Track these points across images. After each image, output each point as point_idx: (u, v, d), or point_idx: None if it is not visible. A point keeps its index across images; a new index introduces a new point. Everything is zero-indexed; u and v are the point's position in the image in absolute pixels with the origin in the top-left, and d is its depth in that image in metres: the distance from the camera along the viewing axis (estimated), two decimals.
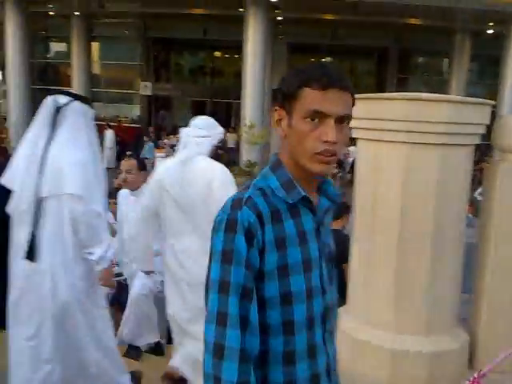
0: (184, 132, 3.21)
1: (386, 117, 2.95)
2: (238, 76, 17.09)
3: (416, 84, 20.53)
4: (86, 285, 2.72)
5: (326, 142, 1.22)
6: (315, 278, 1.30)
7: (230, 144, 17.86)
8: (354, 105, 1.28)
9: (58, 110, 2.67)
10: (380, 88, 19.09)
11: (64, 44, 22.42)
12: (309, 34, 18.55)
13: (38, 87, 21.24)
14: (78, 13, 19.84)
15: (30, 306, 2.66)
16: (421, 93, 3.06)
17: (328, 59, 21.67)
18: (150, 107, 22.59)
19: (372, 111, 3.03)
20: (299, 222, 1.29)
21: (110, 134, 17.35)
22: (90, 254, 2.63)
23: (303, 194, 1.28)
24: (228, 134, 17.74)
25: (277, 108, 1.31)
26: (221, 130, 3.31)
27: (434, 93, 3.09)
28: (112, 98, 22.85)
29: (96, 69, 22.39)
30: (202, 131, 3.15)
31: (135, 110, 23.13)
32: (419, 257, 2.99)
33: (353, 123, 3.32)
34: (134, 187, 3.89)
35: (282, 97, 1.29)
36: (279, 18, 17.91)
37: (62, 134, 2.64)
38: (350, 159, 14.50)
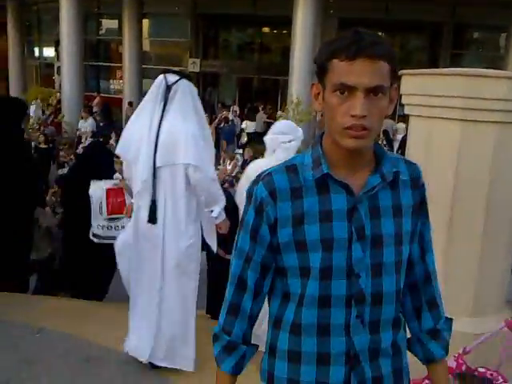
0: (269, 138, 3.37)
1: (441, 93, 2.90)
2: (286, 52, 16.91)
3: (470, 60, 19.76)
4: (192, 250, 3.07)
5: (353, 116, 1.15)
6: (338, 259, 1.25)
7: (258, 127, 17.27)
8: (395, 73, 1.21)
9: (168, 87, 2.93)
10: (433, 64, 18.48)
11: (115, 21, 22.74)
12: (360, 8, 18.06)
13: (89, 64, 21.75)
14: None
15: (151, 267, 3.06)
16: (478, 69, 2.98)
17: (379, 34, 21.09)
18: (198, 84, 22.72)
19: (426, 87, 2.99)
20: (326, 200, 1.25)
21: None
22: (210, 211, 3.07)
23: (325, 171, 1.24)
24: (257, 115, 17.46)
25: (314, 82, 1.27)
26: (301, 131, 3.45)
27: (490, 69, 3.00)
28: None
29: (146, 45, 22.63)
30: (287, 136, 3.30)
31: None
32: (469, 237, 2.95)
33: (405, 99, 3.29)
34: None
35: (317, 70, 1.24)
36: None
37: (173, 109, 2.93)
38: (400, 136, 14.17)
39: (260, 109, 17.39)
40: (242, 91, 22.60)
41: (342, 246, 1.25)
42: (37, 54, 26.84)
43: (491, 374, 2.25)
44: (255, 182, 1.31)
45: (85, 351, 3.44)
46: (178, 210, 2.97)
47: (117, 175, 4.71)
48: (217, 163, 12.51)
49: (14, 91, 22.58)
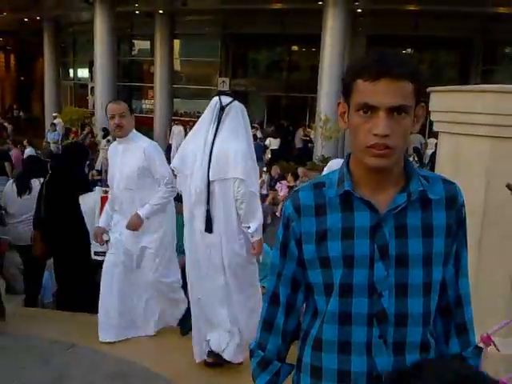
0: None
1: (470, 110, 2.88)
2: (314, 70, 17.00)
3: (502, 76, 19.47)
4: (243, 259, 3.27)
5: (376, 135, 1.17)
6: (359, 276, 1.25)
7: (297, 144, 17.56)
8: (420, 92, 1.21)
9: (222, 108, 3.21)
10: (463, 80, 18.29)
11: (147, 42, 23.29)
12: (389, 25, 18.06)
13: (122, 84, 22.25)
14: (161, 11, 20.53)
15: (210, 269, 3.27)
16: (506, 85, 2.95)
17: (408, 51, 21.04)
18: None
19: (454, 104, 2.97)
20: (349, 217, 1.27)
21: (177, 130, 17.31)
22: (248, 227, 3.21)
23: (347, 188, 1.26)
24: (296, 133, 17.61)
25: (340, 101, 1.29)
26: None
27: None
28: (191, 93, 23.48)
29: (177, 65, 23.08)
30: None
31: None
32: (500, 255, 2.89)
33: (433, 116, 3.27)
34: (127, 133, 3.84)
35: (343, 89, 1.26)
36: (358, 10, 17.61)
37: (225, 129, 3.19)
38: (430, 151, 14.01)
39: (301, 129, 17.58)
40: (270, 109, 22.75)
41: (363, 264, 1.25)
42: (71, 74, 27.65)
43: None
44: (286, 198, 1.38)
45: (114, 367, 3.48)
46: (230, 220, 3.21)
47: (98, 188, 4.93)
48: None
49: (48, 111, 23.26)
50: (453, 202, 1.31)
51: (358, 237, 1.25)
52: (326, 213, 1.29)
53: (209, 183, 3.16)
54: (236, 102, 3.27)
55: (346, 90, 1.24)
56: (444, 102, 3.10)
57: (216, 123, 3.20)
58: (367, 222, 1.25)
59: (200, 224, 3.23)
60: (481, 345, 2.09)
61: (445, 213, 1.29)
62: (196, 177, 3.19)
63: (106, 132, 15.49)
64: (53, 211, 4.58)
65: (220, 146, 3.15)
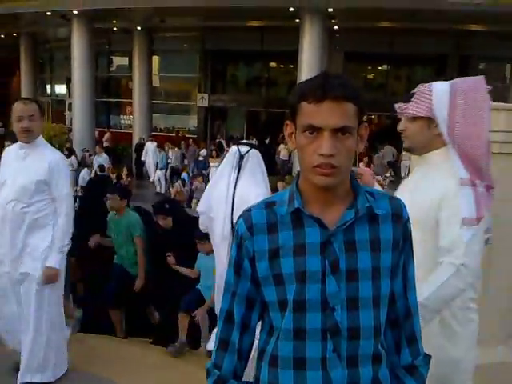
0: None
1: None
2: (292, 86, 17.12)
3: None
4: None
5: (321, 155, 1.21)
6: (312, 292, 1.27)
7: (283, 156, 17.83)
8: (361, 113, 1.26)
9: (241, 156, 3.44)
10: None
11: (126, 58, 23.30)
12: (366, 42, 18.41)
13: (100, 99, 22.15)
14: (139, 27, 20.58)
15: None
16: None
17: (385, 67, 21.41)
18: (207, 118, 23.05)
19: None
20: (300, 234, 1.29)
21: (152, 147, 17.21)
22: None
23: (297, 206, 1.29)
24: (281, 146, 17.77)
25: (288, 122, 1.32)
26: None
27: (496, 100, 3.04)
28: (171, 109, 23.50)
29: (156, 81, 23.10)
30: None
31: (192, 121, 23.67)
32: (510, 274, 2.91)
33: None
34: (34, 138, 3.29)
35: (290, 111, 1.29)
36: (335, 28, 17.90)
37: (245, 175, 3.42)
38: (406, 162, 14.17)
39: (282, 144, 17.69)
40: (249, 124, 22.87)
41: (315, 279, 1.27)
42: (49, 90, 27.47)
43: None
44: (238, 218, 1.38)
45: None
46: None
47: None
48: None
49: None
50: (398, 217, 1.34)
51: (309, 253, 1.28)
52: (277, 230, 1.31)
53: (233, 225, 3.24)
54: (253, 151, 3.51)
55: (292, 111, 1.27)
56: None
57: (237, 170, 3.44)
58: (317, 239, 1.28)
59: (225, 262, 3.25)
60: None
61: (391, 227, 1.33)
62: (221, 220, 3.40)
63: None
64: None
65: (242, 190, 3.36)
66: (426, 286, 1.84)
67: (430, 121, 2.02)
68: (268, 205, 1.35)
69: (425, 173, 2.09)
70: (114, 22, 20.36)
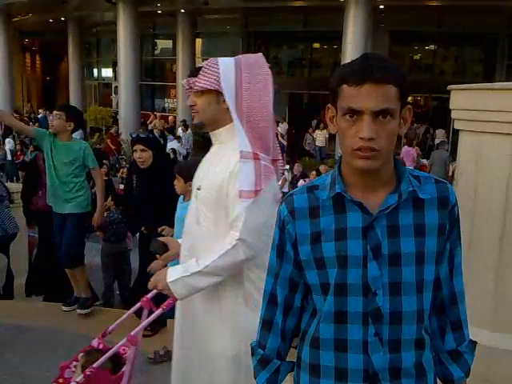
0: None
1: (491, 108, 2.87)
2: (336, 67, 16.87)
3: None
4: None
5: (361, 138, 1.20)
6: (353, 276, 1.28)
7: (319, 143, 17.27)
8: (404, 96, 1.24)
9: None
10: (488, 76, 18.01)
11: (170, 41, 23.47)
12: (412, 21, 17.88)
13: (145, 83, 22.46)
14: (183, 10, 20.67)
15: None
16: None
17: (432, 47, 20.79)
18: None
19: (476, 102, 2.96)
20: (342, 218, 1.30)
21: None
22: None
23: (338, 190, 1.29)
24: (317, 132, 17.52)
25: (329, 106, 1.31)
26: None
27: None
28: None
29: (199, 64, 23.21)
30: None
31: None
32: None
33: (454, 114, 3.26)
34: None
35: (330, 94, 1.29)
36: (381, 7, 17.47)
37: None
38: (437, 140, 13.79)
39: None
40: (292, 107, 22.73)
41: (356, 264, 1.28)
42: (95, 74, 28.03)
43: (124, 349, 2.31)
44: (281, 202, 1.40)
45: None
46: None
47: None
48: None
49: None
50: (445, 201, 1.32)
51: (350, 237, 1.28)
52: (319, 215, 1.32)
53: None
54: None
55: (333, 94, 1.27)
56: (465, 100, 3.10)
57: None
58: (359, 223, 1.28)
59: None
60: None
61: (437, 212, 1.31)
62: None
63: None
64: None
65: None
66: (209, 255, 1.97)
67: (218, 95, 2.02)
68: (310, 189, 1.36)
69: (217, 149, 2.12)
70: (159, 5, 20.51)
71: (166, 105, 24.60)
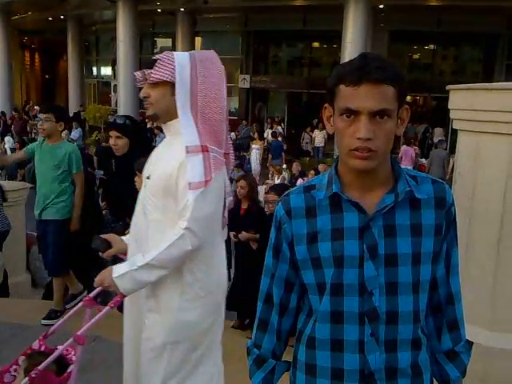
0: None
1: (490, 108, 2.87)
2: (335, 66, 16.91)
3: None
4: None
5: (359, 138, 1.20)
6: (350, 276, 1.28)
7: (318, 143, 17.13)
8: (402, 96, 1.23)
9: None
10: (487, 76, 18.03)
11: (169, 40, 23.47)
12: (412, 21, 17.89)
13: None
14: (183, 9, 20.66)
15: None
16: None
17: (431, 47, 20.80)
18: (248, 99, 23.05)
19: (475, 102, 2.96)
20: (338, 218, 1.29)
21: None
22: None
23: (335, 190, 1.29)
24: (316, 132, 17.46)
25: (326, 105, 1.31)
26: None
27: None
28: None
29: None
30: None
31: (233, 103, 23.72)
32: None
33: (453, 114, 3.27)
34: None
35: (327, 94, 1.28)
36: (380, 6, 17.47)
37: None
38: (436, 138, 13.80)
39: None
40: (291, 106, 22.73)
41: (353, 264, 1.27)
42: (95, 72, 28.01)
43: (67, 350, 2.27)
44: (278, 202, 1.40)
45: None
46: None
47: None
48: (264, 178, 12.63)
49: (72, 109, 23.61)
50: (442, 201, 1.32)
51: (347, 237, 1.28)
52: (316, 214, 1.32)
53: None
54: None
55: (330, 94, 1.26)
56: (464, 100, 3.10)
57: None
58: (356, 223, 1.28)
59: None
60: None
61: (434, 212, 1.30)
62: None
63: None
64: None
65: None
66: (158, 246, 1.97)
67: (172, 87, 2.02)
68: (307, 189, 1.36)
69: (168, 141, 2.14)
70: (158, 3, 20.51)
71: None
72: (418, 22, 17.92)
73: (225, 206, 2.18)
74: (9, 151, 14.67)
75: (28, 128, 19.11)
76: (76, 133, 17.21)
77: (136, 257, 2.02)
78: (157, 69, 2.03)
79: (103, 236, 2.32)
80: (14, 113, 21.00)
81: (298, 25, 20.22)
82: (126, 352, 2.30)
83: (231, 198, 2.31)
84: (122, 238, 2.28)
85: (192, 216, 1.93)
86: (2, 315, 4.28)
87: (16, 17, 23.93)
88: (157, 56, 2.07)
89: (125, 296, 2.06)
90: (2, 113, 20.62)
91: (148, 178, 2.12)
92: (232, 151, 2.21)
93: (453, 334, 1.40)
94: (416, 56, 21.75)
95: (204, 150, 1.96)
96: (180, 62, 2.02)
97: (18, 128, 18.90)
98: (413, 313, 1.30)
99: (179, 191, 1.98)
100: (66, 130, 18.30)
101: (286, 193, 1.40)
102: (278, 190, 4.73)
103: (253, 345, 1.47)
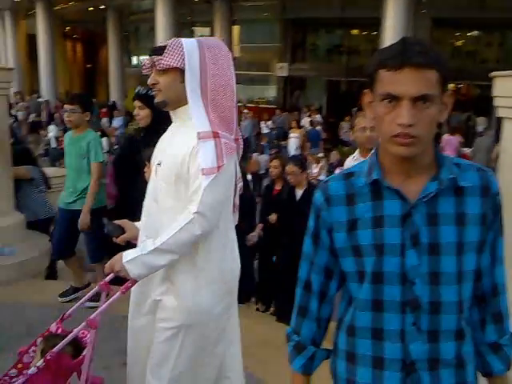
0: None
1: None
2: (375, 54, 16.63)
3: None
4: None
5: (400, 124, 1.18)
6: (390, 264, 1.26)
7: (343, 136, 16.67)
8: (445, 81, 1.21)
9: None
10: None
11: (207, 28, 23.52)
12: (454, 6, 17.37)
13: None
14: None
15: None
16: None
17: (475, 33, 20.17)
18: (286, 88, 22.93)
19: None
20: (379, 206, 1.28)
21: None
22: None
23: (375, 177, 1.27)
24: (343, 124, 17.19)
25: (366, 91, 1.30)
26: None
27: None
28: (250, 79, 23.58)
29: (236, 51, 23.20)
30: None
31: (271, 91, 23.65)
32: None
33: (497, 102, 3.19)
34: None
35: (368, 79, 1.26)
36: None
37: None
38: (480, 127, 13.38)
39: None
40: (329, 94, 22.51)
41: (394, 252, 1.26)
42: (135, 61, 28.37)
43: (83, 333, 2.27)
44: (317, 189, 1.39)
45: None
46: None
47: None
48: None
49: (113, 98, 24.04)
50: (487, 189, 1.29)
51: (388, 225, 1.27)
52: (355, 202, 1.31)
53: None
54: None
55: (370, 80, 1.24)
56: (509, 87, 3.01)
57: None
58: (397, 211, 1.26)
59: None
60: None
61: (479, 201, 1.28)
62: None
63: None
64: None
65: None
66: (167, 231, 1.98)
67: (182, 73, 2.01)
68: (346, 176, 1.35)
69: (178, 127, 2.12)
70: None
71: None
72: (462, 7, 17.39)
73: (235, 191, 2.19)
74: (53, 140, 15.05)
75: None
76: (119, 120, 17.49)
77: (147, 242, 2.03)
78: (166, 55, 2.02)
79: (117, 221, 2.35)
80: (58, 102, 21.50)
81: (337, 12, 19.93)
82: (130, 335, 2.30)
83: (241, 183, 2.33)
84: (136, 223, 2.30)
85: (202, 201, 1.93)
86: (49, 297, 4.45)
87: (58, 7, 24.43)
88: (165, 42, 2.07)
89: (136, 281, 2.08)
90: (47, 102, 21.17)
91: (159, 164, 2.13)
92: (241, 136, 2.21)
93: (497, 326, 1.38)
94: (459, 43, 21.14)
95: (215, 135, 1.97)
96: (189, 49, 2.01)
97: (62, 117, 19.33)
98: (456, 303, 1.28)
99: (191, 177, 1.99)
100: (107, 118, 18.75)
101: (325, 179, 1.40)
102: (297, 161, 4.81)
103: (292, 331, 1.48)
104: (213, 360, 2.22)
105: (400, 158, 1.24)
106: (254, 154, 14.50)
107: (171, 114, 2.16)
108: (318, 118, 17.51)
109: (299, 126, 15.82)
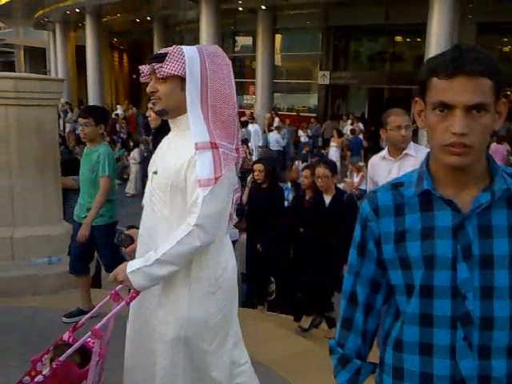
0: None
1: None
2: (419, 61, 16.41)
3: None
4: None
5: (453, 133, 1.15)
6: (441, 278, 1.22)
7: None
8: (499, 89, 1.17)
9: None
10: None
11: (250, 38, 23.76)
12: (501, 11, 16.91)
13: None
14: (264, 6, 20.84)
15: None
16: None
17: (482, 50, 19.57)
18: (327, 96, 22.85)
19: None
20: (429, 217, 1.24)
21: (254, 129, 16.05)
22: None
23: (425, 187, 1.24)
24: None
25: (417, 99, 1.27)
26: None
27: None
28: (292, 88, 23.62)
29: (278, 60, 23.32)
30: None
31: (313, 100, 23.61)
32: None
33: None
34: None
35: (418, 88, 1.24)
36: None
37: None
38: None
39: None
40: (371, 102, 22.28)
41: (445, 265, 1.22)
42: None
43: (93, 342, 2.21)
44: (364, 199, 1.37)
45: None
46: None
47: None
48: (343, 176, 12.46)
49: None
50: None
51: (439, 237, 1.23)
52: (404, 213, 1.28)
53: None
54: None
55: (422, 87, 1.22)
56: None
57: None
58: (449, 222, 1.23)
59: None
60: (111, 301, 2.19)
61: None
62: None
63: None
64: None
65: None
66: (168, 241, 1.97)
67: (182, 82, 1.98)
68: (395, 186, 1.32)
69: (176, 137, 2.09)
70: (240, 1, 20.80)
71: (245, 101, 24.94)
72: (508, 12, 16.93)
73: (232, 201, 2.18)
74: None
75: (117, 127, 20.08)
76: None
77: (150, 253, 2.01)
78: (167, 63, 1.98)
79: (127, 231, 2.35)
80: None
81: (380, 19, 19.77)
82: (128, 341, 2.30)
83: (238, 194, 2.31)
84: None
85: (202, 213, 1.92)
86: (91, 306, 4.52)
87: (106, 19, 25.19)
88: (165, 50, 2.04)
89: (139, 292, 2.06)
90: None
91: (155, 172, 2.11)
92: (241, 146, 2.17)
93: None
94: (506, 49, 20.58)
95: (213, 146, 1.94)
96: (190, 57, 1.99)
97: (109, 127, 19.95)
98: (509, 318, 1.23)
99: (188, 187, 1.97)
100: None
101: (373, 190, 1.38)
102: (328, 164, 4.66)
103: (336, 344, 1.43)
104: (220, 365, 2.20)
105: (452, 167, 1.21)
106: (296, 162, 14.52)
107: (170, 122, 2.15)
108: (360, 126, 17.40)
109: (340, 135, 15.72)
